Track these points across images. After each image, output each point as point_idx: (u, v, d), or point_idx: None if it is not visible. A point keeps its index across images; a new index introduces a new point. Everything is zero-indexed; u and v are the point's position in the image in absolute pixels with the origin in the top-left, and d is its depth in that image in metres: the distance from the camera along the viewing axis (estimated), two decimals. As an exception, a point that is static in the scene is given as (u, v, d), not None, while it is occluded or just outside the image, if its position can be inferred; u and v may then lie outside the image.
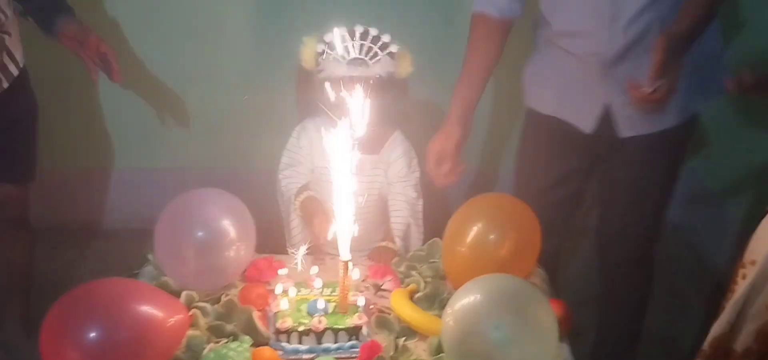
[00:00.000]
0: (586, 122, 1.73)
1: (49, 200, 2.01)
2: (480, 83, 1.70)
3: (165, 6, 2.51)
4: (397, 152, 1.82)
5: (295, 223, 1.79)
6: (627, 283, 1.98)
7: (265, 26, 2.55)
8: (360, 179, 1.75)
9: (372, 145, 1.77)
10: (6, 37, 1.80)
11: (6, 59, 1.81)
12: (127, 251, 1.60)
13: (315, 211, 1.67)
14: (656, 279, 1.94)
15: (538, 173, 1.89)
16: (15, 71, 1.85)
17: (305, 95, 1.81)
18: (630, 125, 1.71)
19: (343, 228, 1.38)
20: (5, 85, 1.81)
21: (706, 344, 1.42)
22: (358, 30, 1.68)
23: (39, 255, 2.11)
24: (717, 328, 1.41)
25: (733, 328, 1.39)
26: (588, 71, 1.67)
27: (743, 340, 1.37)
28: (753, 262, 1.34)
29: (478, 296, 1.27)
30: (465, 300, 1.27)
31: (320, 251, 1.62)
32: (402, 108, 1.80)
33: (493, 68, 1.71)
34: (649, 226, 1.88)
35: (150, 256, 1.56)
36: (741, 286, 1.36)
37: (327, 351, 1.36)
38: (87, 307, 1.22)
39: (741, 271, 1.38)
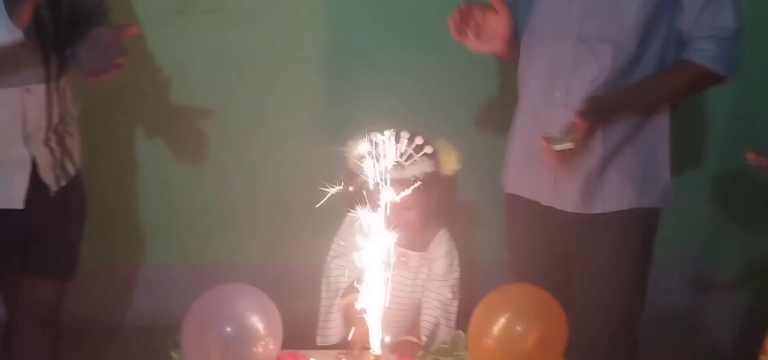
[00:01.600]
0: (540, 194, 1.80)
1: (72, 297, 1.99)
2: None
3: (203, 98, 2.58)
4: (442, 250, 1.83)
5: (334, 317, 1.78)
6: None
7: (313, 121, 2.64)
8: (406, 275, 1.78)
9: (419, 242, 1.80)
10: (68, 136, 1.82)
11: (66, 159, 1.82)
12: (150, 350, 1.57)
13: (358, 320, 1.64)
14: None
15: (522, 254, 1.94)
16: (72, 172, 1.86)
17: (353, 192, 1.84)
18: (569, 201, 1.77)
19: (375, 321, 1.38)
20: (62, 182, 1.81)
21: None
22: (391, 134, 1.71)
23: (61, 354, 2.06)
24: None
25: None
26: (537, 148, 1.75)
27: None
28: (774, 350, 1.37)
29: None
30: (502, 393, 1.28)
31: (351, 353, 1.61)
32: (448, 205, 1.83)
33: None
34: (613, 321, 1.85)
35: (173, 354, 1.53)
36: (765, 373, 1.38)
37: None
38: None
39: (763, 358, 1.40)
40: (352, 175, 1.75)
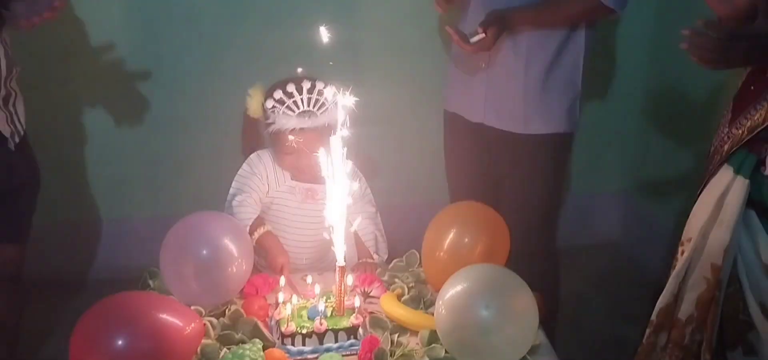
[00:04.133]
0: (471, 112, 2.10)
1: (34, 253, 2.03)
2: None
3: (151, 53, 2.63)
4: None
5: None
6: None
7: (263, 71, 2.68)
8: (315, 207, 1.83)
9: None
10: (13, 94, 1.82)
11: (15, 118, 1.82)
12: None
13: (278, 251, 1.74)
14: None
15: (460, 167, 2.24)
16: (21, 132, 1.86)
17: (251, 139, 1.95)
18: (496, 119, 2.06)
19: (339, 235, 1.53)
20: (17, 139, 1.82)
21: (653, 315, 1.64)
22: (306, 84, 1.80)
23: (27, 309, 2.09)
24: (662, 300, 1.63)
25: (676, 298, 1.61)
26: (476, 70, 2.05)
27: (685, 309, 1.59)
28: (689, 240, 1.58)
29: (466, 284, 1.43)
30: (454, 289, 1.43)
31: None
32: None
33: None
34: (536, 216, 2.13)
35: (150, 282, 1.64)
36: (680, 262, 1.59)
37: (329, 350, 1.49)
38: (114, 317, 1.31)
39: (680, 248, 1.61)
40: (252, 121, 1.86)
